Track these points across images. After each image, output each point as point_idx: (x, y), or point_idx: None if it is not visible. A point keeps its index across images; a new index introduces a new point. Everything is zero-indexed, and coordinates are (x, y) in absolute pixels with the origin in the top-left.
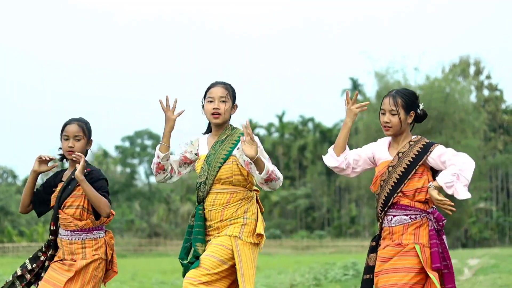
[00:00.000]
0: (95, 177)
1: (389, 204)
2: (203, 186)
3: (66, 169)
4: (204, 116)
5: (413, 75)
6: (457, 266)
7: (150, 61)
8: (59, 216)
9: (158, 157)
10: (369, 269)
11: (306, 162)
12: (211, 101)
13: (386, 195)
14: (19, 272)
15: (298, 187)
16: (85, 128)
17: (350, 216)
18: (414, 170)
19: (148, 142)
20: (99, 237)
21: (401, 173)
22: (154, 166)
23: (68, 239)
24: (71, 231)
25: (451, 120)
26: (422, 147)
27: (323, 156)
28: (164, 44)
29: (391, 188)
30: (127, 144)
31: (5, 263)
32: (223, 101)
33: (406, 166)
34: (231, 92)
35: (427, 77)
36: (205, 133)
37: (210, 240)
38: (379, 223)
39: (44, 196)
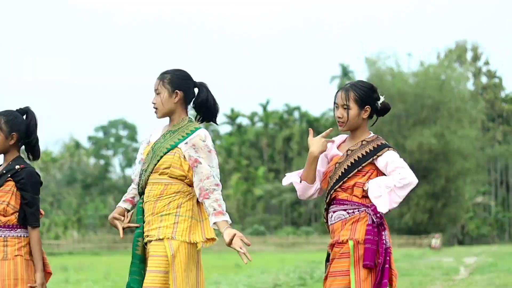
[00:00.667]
0: (26, 181)
1: (328, 200)
2: (143, 173)
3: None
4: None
5: (406, 61)
6: (452, 265)
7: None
8: None
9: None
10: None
11: (292, 154)
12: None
13: (327, 191)
14: None
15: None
16: (2, 121)
17: None
18: (357, 169)
19: (123, 133)
20: (24, 236)
21: (344, 170)
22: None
23: None
24: None
25: (447, 109)
26: (373, 148)
27: (295, 184)
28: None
29: (332, 184)
30: (100, 134)
31: None
32: (158, 94)
33: (350, 164)
34: (166, 81)
35: (422, 63)
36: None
37: (145, 237)
38: (326, 224)
39: None
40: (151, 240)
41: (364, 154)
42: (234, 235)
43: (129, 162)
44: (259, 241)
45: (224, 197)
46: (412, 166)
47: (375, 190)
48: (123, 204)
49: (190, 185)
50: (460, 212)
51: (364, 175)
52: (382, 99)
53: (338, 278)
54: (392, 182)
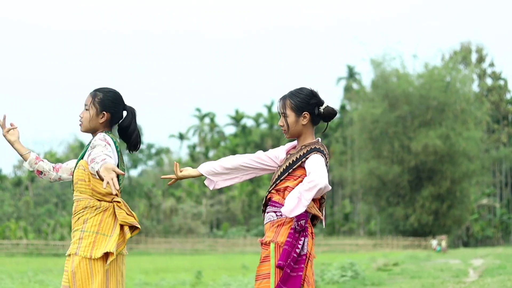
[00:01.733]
0: None
1: (263, 202)
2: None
3: None
4: None
5: (412, 63)
6: (460, 267)
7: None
8: None
9: (29, 167)
10: None
11: None
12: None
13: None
14: None
15: None
16: None
17: (343, 213)
18: (288, 172)
19: None
20: None
21: (279, 173)
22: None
23: None
24: None
25: (452, 110)
26: (305, 152)
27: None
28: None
29: (270, 185)
30: None
31: None
32: (86, 109)
33: (285, 167)
34: (97, 100)
35: (426, 65)
36: None
37: None
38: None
39: None
40: (67, 255)
41: (298, 156)
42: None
43: (134, 163)
44: None
45: (229, 198)
46: (417, 168)
47: (288, 197)
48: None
49: (99, 199)
50: (465, 214)
51: (295, 179)
52: (324, 104)
53: (264, 281)
54: (301, 187)
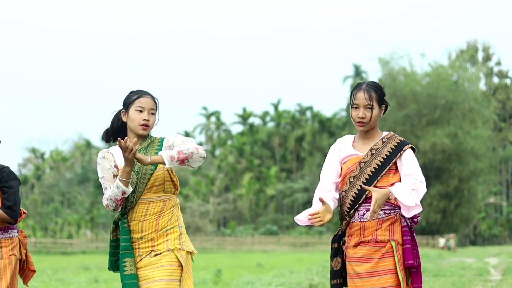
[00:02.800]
0: (6, 177)
1: (360, 201)
2: (131, 196)
3: None
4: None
5: (419, 61)
6: (478, 265)
7: (138, 52)
8: None
9: (125, 193)
10: (336, 273)
11: (304, 154)
12: (140, 111)
13: (356, 191)
14: None
15: (296, 180)
16: None
17: None
18: (388, 167)
19: None
20: (14, 236)
21: (374, 170)
22: (116, 203)
23: None
24: None
25: (460, 109)
26: (396, 145)
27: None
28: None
29: (362, 184)
30: None
31: None
32: (152, 113)
33: (379, 163)
34: (158, 105)
35: (433, 63)
36: (107, 140)
37: (142, 254)
38: (345, 221)
39: None
40: (160, 253)
41: (390, 151)
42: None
43: None
44: (273, 240)
45: (237, 197)
46: (425, 166)
47: (404, 197)
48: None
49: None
50: (473, 212)
51: (394, 173)
52: (385, 95)
53: (386, 276)
54: (413, 185)
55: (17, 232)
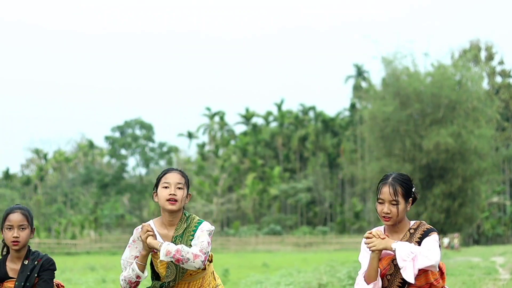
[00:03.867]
0: (44, 267)
1: None
2: (172, 283)
3: (5, 259)
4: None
5: (423, 61)
6: (485, 264)
7: (142, 51)
8: None
9: (139, 277)
10: None
11: (307, 154)
12: (166, 187)
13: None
14: None
15: (299, 180)
16: (28, 216)
17: (354, 211)
18: None
19: (139, 132)
20: None
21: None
22: (130, 285)
23: None
24: None
25: (463, 108)
26: (423, 233)
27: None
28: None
29: (400, 284)
30: (117, 134)
31: None
32: (179, 188)
33: None
34: (186, 180)
35: (436, 63)
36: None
37: None
38: None
39: None
40: None
41: (417, 243)
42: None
43: (146, 162)
44: (277, 240)
45: (240, 197)
46: (428, 166)
47: (403, 253)
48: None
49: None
50: (476, 212)
51: (425, 270)
52: (414, 188)
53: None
54: (416, 251)
55: None
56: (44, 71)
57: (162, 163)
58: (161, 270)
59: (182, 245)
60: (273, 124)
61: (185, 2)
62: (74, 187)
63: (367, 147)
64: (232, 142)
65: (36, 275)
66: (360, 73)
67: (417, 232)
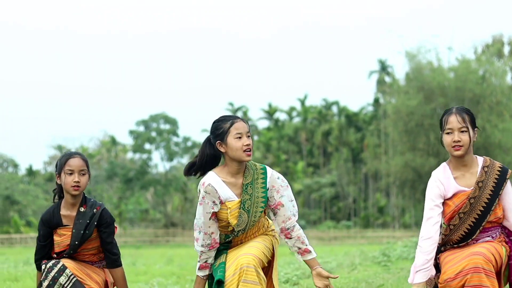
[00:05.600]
0: (109, 221)
1: (474, 236)
2: (241, 232)
3: (57, 208)
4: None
5: (446, 55)
6: None
7: (164, 44)
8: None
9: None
10: None
11: (331, 149)
12: (239, 137)
13: (469, 227)
14: None
15: (323, 175)
16: (87, 162)
17: (378, 206)
18: (497, 200)
19: (164, 127)
20: (103, 266)
21: (485, 205)
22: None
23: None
24: (88, 261)
25: (487, 102)
26: (499, 174)
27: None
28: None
29: (475, 220)
30: (141, 128)
31: (15, 253)
32: (249, 137)
33: (489, 197)
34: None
35: (459, 57)
36: (201, 174)
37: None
38: (445, 239)
39: (48, 247)
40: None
41: (496, 181)
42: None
43: (171, 157)
44: None
45: None
46: None
47: None
48: (201, 273)
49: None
50: None
51: (499, 206)
52: None
53: (488, 244)
54: None
55: None
56: (67, 72)
57: (186, 158)
58: (232, 220)
59: (298, 234)
60: (297, 119)
61: (210, 2)
62: (97, 184)
63: (391, 141)
64: (256, 137)
65: (95, 223)
66: (384, 68)
67: (492, 171)
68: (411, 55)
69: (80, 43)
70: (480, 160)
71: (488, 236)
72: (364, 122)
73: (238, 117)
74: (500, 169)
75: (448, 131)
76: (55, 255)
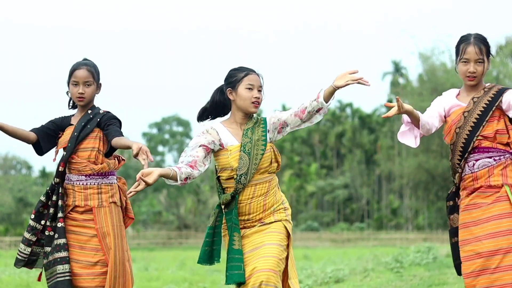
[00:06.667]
0: (113, 116)
1: (469, 149)
2: (244, 177)
3: (72, 115)
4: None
5: None
6: None
7: (177, 45)
8: (72, 160)
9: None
10: (455, 231)
11: (344, 150)
12: (250, 89)
13: (464, 141)
14: (32, 238)
15: (336, 176)
16: (94, 72)
17: (391, 208)
18: (490, 113)
19: (177, 129)
20: (114, 183)
21: (478, 117)
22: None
23: (82, 184)
24: (86, 175)
25: None
26: (497, 91)
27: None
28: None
29: (468, 133)
30: (154, 131)
31: None
32: (260, 91)
33: (482, 109)
34: (263, 83)
35: None
36: (202, 119)
37: (246, 232)
38: (458, 174)
39: (51, 135)
40: (268, 223)
41: (491, 97)
42: None
43: None
44: (314, 236)
45: None
46: None
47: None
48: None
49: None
50: None
51: (498, 120)
52: None
53: (504, 220)
54: None
55: (116, 179)
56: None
57: None
58: (233, 163)
59: (307, 104)
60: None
61: (214, 1)
62: None
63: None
64: None
65: (98, 120)
66: (397, 69)
67: (490, 91)
68: (425, 56)
69: (92, 43)
70: (487, 84)
71: (490, 158)
72: (378, 124)
73: (254, 71)
74: (500, 88)
75: (465, 60)
76: (57, 168)
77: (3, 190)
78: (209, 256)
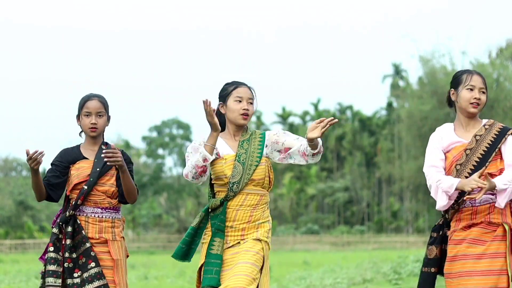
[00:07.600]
0: (127, 159)
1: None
2: (236, 185)
3: (78, 146)
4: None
5: (461, 59)
6: None
7: (176, 47)
8: (91, 192)
9: (206, 160)
10: (430, 262)
11: (344, 153)
12: (239, 101)
13: (466, 177)
14: (58, 269)
15: (336, 179)
16: (105, 104)
17: (391, 210)
18: (494, 153)
19: (176, 132)
20: (121, 217)
21: (480, 156)
22: (197, 170)
23: (98, 216)
24: (102, 208)
25: (501, 107)
26: (500, 130)
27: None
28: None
29: (470, 171)
30: (154, 134)
31: (28, 260)
32: (251, 103)
33: (485, 149)
34: (255, 96)
35: (475, 61)
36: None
37: (229, 242)
38: (452, 210)
39: (60, 178)
40: (248, 240)
41: (495, 136)
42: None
43: (184, 162)
44: (314, 240)
45: (277, 196)
46: None
47: (504, 190)
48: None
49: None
50: None
51: (501, 159)
52: None
53: (496, 259)
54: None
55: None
56: (82, 75)
57: None
58: (227, 171)
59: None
60: (310, 124)
61: (219, 1)
62: None
63: (404, 146)
64: None
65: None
66: (398, 72)
67: (493, 129)
68: (425, 59)
69: (92, 43)
70: (484, 121)
71: (492, 195)
72: (378, 127)
73: (245, 83)
74: (501, 127)
75: (471, 87)
76: (69, 195)
77: (3, 193)
78: (184, 253)
